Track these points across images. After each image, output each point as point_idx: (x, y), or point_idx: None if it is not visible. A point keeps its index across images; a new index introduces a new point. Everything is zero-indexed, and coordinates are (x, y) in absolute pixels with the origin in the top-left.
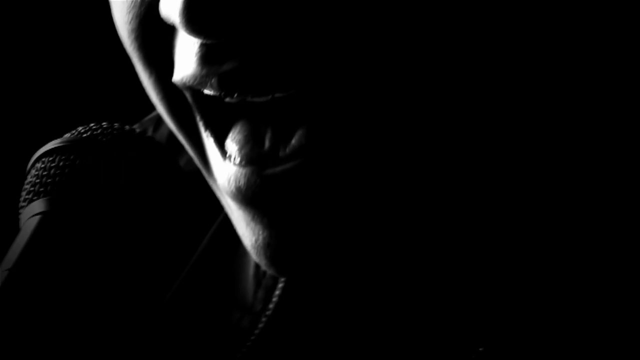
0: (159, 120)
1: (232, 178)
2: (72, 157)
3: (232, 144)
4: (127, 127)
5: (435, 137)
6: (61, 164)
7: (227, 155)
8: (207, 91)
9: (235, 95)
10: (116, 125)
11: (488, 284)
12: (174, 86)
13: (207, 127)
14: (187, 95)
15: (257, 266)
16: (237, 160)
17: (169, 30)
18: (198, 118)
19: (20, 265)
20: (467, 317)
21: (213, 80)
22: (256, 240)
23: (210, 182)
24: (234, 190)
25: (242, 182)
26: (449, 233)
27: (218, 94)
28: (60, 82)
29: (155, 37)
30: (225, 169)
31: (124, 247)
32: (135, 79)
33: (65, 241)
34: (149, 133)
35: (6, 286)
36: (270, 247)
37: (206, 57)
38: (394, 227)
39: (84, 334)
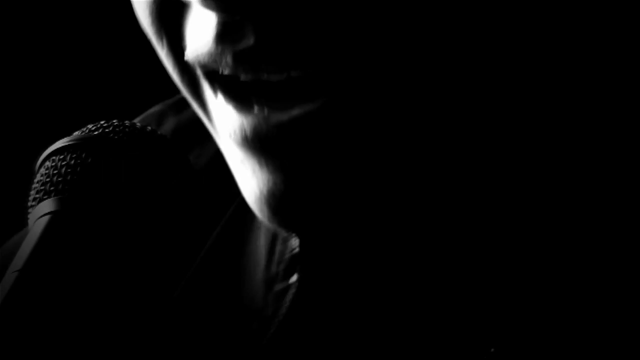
0: (161, 115)
1: (237, 127)
2: (83, 155)
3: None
4: (138, 124)
5: (440, 119)
6: (72, 162)
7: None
8: (223, 71)
9: (250, 73)
10: (127, 122)
11: (499, 284)
12: (183, 57)
13: (216, 91)
14: (199, 71)
15: (267, 269)
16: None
17: (182, 7)
18: (207, 86)
19: (30, 266)
20: (478, 317)
21: (228, 58)
22: (261, 191)
23: (216, 137)
24: (239, 139)
25: (248, 130)
26: (457, 230)
27: (233, 72)
28: (61, 82)
29: (169, 12)
30: (231, 118)
31: (135, 246)
32: (135, 77)
33: (76, 241)
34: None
35: (16, 288)
36: (275, 196)
37: (222, 34)
38: (402, 208)
39: (93, 334)
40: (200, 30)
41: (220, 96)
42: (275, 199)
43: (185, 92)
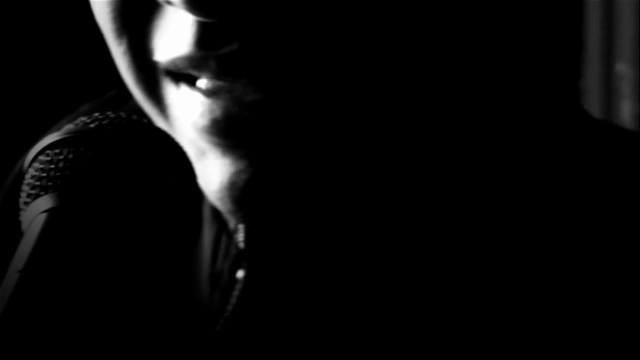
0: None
1: (207, 111)
2: (81, 149)
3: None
4: (134, 116)
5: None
6: (70, 156)
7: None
8: (203, 76)
9: (231, 78)
10: (122, 114)
11: (475, 284)
12: (143, 56)
13: (178, 84)
14: (160, 69)
15: (212, 266)
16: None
17: (150, 7)
18: (169, 81)
19: (31, 265)
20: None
21: (212, 63)
22: (223, 182)
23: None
24: (207, 125)
25: (219, 112)
26: (414, 225)
27: (215, 77)
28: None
29: (134, 12)
30: (199, 104)
31: (135, 242)
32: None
33: (78, 238)
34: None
35: (19, 289)
36: (235, 185)
37: (203, 39)
38: (353, 202)
39: (96, 333)
40: (177, 33)
41: (184, 87)
42: (238, 190)
43: (137, 90)
